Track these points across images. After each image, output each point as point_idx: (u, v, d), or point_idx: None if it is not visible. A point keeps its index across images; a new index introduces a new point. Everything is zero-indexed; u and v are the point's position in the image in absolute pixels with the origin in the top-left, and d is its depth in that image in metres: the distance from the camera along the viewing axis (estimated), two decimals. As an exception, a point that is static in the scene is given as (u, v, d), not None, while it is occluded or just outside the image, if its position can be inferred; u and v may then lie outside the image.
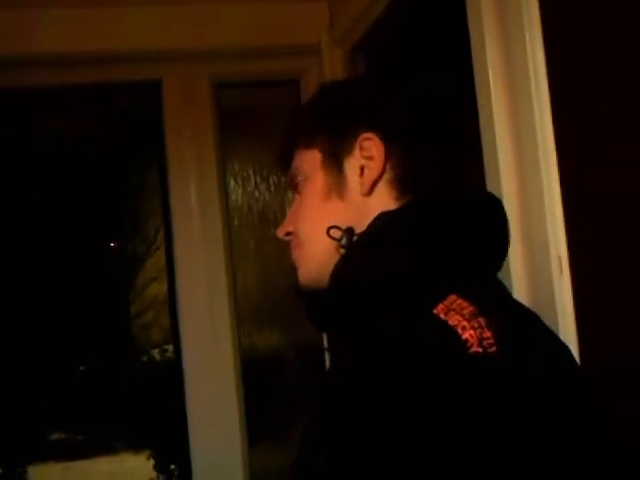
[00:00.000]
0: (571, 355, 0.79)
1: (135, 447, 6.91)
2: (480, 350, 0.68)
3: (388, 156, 0.84)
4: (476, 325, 0.70)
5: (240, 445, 1.79)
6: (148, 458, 5.83)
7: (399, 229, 0.80)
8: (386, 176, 0.84)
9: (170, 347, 6.75)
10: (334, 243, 0.84)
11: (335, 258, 0.83)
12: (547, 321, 0.89)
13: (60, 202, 7.30)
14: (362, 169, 0.85)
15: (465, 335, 0.69)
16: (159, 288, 7.81)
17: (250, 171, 1.88)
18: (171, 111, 1.80)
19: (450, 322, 0.71)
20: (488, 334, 0.70)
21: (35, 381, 7.30)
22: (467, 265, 0.80)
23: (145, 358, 7.49)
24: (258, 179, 1.88)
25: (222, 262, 1.79)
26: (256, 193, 1.87)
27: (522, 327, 0.75)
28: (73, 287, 7.78)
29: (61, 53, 1.68)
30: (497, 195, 0.96)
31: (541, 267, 0.91)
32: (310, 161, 0.89)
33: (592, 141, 0.84)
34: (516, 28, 0.93)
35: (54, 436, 7.69)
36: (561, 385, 0.72)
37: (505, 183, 0.97)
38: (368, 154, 0.85)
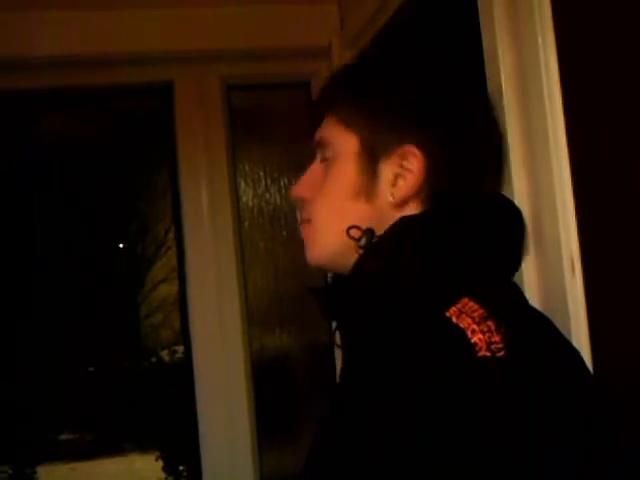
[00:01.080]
0: (583, 362, 0.78)
1: (144, 448, 6.92)
2: (488, 354, 0.68)
3: (427, 174, 0.83)
4: (485, 329, 0.70)
5: (250, 446, 1.79)
6: (157, 459, 5.85)
7: (418, 234, 0.80)
8: (420, 194, 0.83)
9: (179, 348, 6.77)
10: (351, 241, 0.83)
11: (350, 254, 0.83)
12: (558, 323, 0.89)
13: (70, 204, 7.33)
14: (396, 178, 0.84)
15: (474, 339, 0.69)
16: (169, 289, 7.83)
17: (261, 173, 1.88)
18: (182, 113, 1.81)
19: (461, 325, 0.71)
20: (497, 338, 0.69)
21: (44, 382, 7.33)
22: (483, 270, 0.81)
23: (154, 359, 7.51)
24: (269, 181, 1.88)
25: (233, 263, 1.80)
26: (267, 195, 1.88)
27: (533, 332, 0.75)
28: (83, 288, 7.81)
29: (71, 55, 1.69)
30: (508, 194, 0.97)
31: (553, 268, 0.90)
32: (344, 143, 0.86)
33: (605, 140, 0.84)
34: (528, 31, 0.93)
35: (63, 436, 7.72)
36: (570, 391, 0.72)
37: (516, 183, 0.96)
38: (408, 166, 0.83)
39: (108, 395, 7.57)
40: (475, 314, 0.72)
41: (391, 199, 0.83)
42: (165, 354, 7.11)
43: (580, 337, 0.86)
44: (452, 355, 0.70)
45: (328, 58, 1.70)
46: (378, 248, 0.81)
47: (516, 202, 0.96)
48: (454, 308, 0.73)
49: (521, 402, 0.68)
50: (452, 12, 1.27)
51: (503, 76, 0.99)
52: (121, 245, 8.86)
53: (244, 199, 1.87)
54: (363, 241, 0.82)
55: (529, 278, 0.95)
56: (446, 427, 0.66)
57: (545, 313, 0.92)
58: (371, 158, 0.85)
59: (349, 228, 0.83)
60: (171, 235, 8.09)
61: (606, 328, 0.85)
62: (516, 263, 0.88)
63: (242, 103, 1.88)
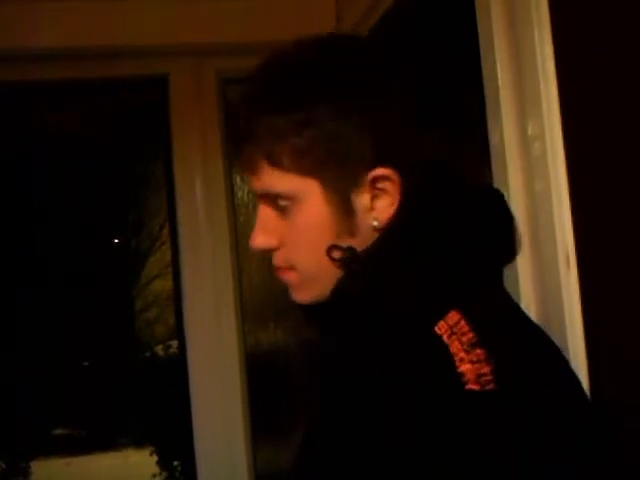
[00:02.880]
0: (578, 382, 0.77)
1: (138, 443, 6.93)
2: (476, 387, 0.66)
3: (403, 187, 0.78)
4: (474, 359, 0.68)
5: (244, 441, 1.80)
6: (151, 454, 5.85)
7: (401, 246, 0.78)
8: (399, 208, 0.79)
9: (174, 343, 6.77)
10: (337, 268, 0.79)
11: (334, 273, 0.80)
12: (553, 317, 0.89)
13: (64, 198, 7.31)
14: (372, 201, 0.79)
15: (462, 368, 0.67)
16: (163, 284, 7.83)
17: (256, 167, 1.88)
18: (177, 107, 1.80)
19: (451, 349, 0.69)
20: (486, 369, 0.67)
21: (39, 377, 7.32)
22: (471, 277, 0.78)
23: (149, 354, 7.51)
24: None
25: (228, 258, 1.80)
26: (262, 190, 1.87)
27: (524, 357, 0.73)
28: (77, 283, 7.79)
29: (67, 48, 1.68)
30: (503, 190, 0.97)
31: (548, 262, 0.90)
32: (302, 189, 0.78)
33: (601, 136, 0.84)
34: (525, 22, 0.93)
35: (58, 431, 7.72)
36: (563, 421, 0.70)
37: (511, 178, 0.96)
38: (381, 187, 0.79)
39: (103, 390, 7.57)
40: (464, 338, 0.70)
41: (376, 224, 0.79)
42: (159, 349, 7.11)
43: (575, 331, 0.86)
44: (438, 385, 0.67)
45: (324, 52, 1.70)
46: (361, 265, 0.78)
47: (511, 197, 0.96)
48: (443, 323, 0.71)
49: (510, 440, 0.65)
50: (449, 8, 1.26)
51: (499, 73, 0.98)
52: (116, 240, 8.85)
53: (239, 194, 1.87)
54: (345, 260, 0.78)
55: (524, 273, 0.94)
56: (430, 460, 0.64)
57: (540, 308, 0.93)
58: (341, 196, 0.78)
59: (329, 249, 0.79)
60: (166, 230, 8.08)
61: (601, 322, 0.85)
62: (505, 261, 0.86)
63: (238, 96, 1.87)
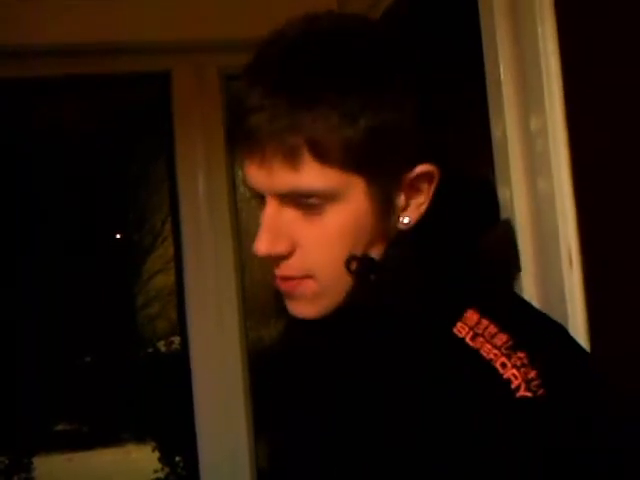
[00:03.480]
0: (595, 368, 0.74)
1: (140, 439, 6.94)
2: (529, 395, 0.63)
3: (435, 191, 0.75)
4: (518, 363, 0.64)
5: (246, 437, 1.80)
6: (153, 450, 5.85)
7: (412, 251, 0.74)
8: (429, 208, 0.75)
9: (176, 339, 6.78)
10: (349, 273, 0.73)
11: (347, 282, 0.74)
12: (557, 315, 0.89)
13: (66, 193, 7.31)
14: (407, 199, 0.75)
15: (507, 374, 0.64)
16: (165, 280, 7.83)
17: (259, 163, 1.88)
18: (180, 103, 1.80)
19: (483, 352, 0.66)
20: (533, 374, 0.64)
21: (40, 372, 7.33)
22: (483, 275, 0.75)
23: (151, 350, 7.52)
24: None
25: (230, 254, 1.80)
26: (264, 185, 1.87)
27: (561, 356, 0.69)
28: (78, 279, 7.80)
29: (69, 44, 1.69)
30: (506, 188, 0.97)
31: (551, 260, 0.90)
32: (345, 186, 0.71)
33: (604, 130, 0.84)
34: (528, 16, 0.93)
35: (59, 427, 7.72)
36: (602, 413, 0.67)
37: (514, 173, 0.96)
38: (419, 185, 0.74)
39: (105, 386, 7.57)
40: (497, 341, 0.66)
41: (407, 221, 0.75)
42: (162, 345, 7.11)
43: (578, 329, 0.86)
44: (487, 397, 0.64)
45: (326, 48, 1.69)
46: (384, 276, 0.73)
47: (513, 194, 0.96)
48: (463, 325, 0.68)
49: (571, 446, 0.63)
50: (451, 4, 1.26)
51: (502, 68, 0.98)
52: (117, 236, 8.85)
53: (241, 189, 1.87)
54: (362, 271, 0.73)
55: (527, 271, 0.94)
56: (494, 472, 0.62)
57: (543, 306, 0.93)
58: (384, 193, 0.73)
59: (348, 261, 0.72)
60: (168, 226, 8.08)
61: (604, 319, 0.85)
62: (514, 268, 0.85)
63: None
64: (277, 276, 0.77)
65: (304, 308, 0.76)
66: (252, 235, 0.77)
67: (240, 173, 1.87)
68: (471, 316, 0.69)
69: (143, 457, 6.27)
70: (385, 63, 0.72)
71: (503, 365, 0.64)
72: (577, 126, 0.87)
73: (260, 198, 0.75)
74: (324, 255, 0.73)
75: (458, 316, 0.69)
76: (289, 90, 0.69)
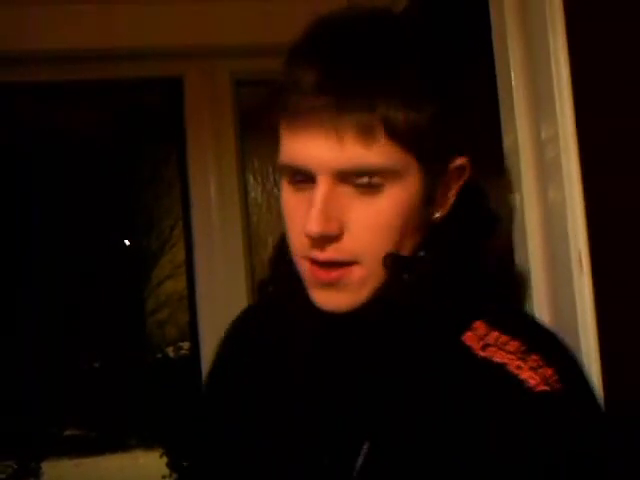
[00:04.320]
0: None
1: (148, 444, 6.94)
2: (548, 388, 0.65)
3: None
4: (534, 365, 0.66)
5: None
6: (161, 455, 5.86)
7: (443, 255, 0.75)
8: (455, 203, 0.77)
9: (185, 344, 6.78)
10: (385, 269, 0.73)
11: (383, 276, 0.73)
12: (566, 319, 0.89)
13: (77, 198, 7.35)
14: (443, 191, 0.76)
15: (523, 375, 0.65)
16: (174, 285, 7.85)
17: (270, 168, 1.89)
18: (192, 108, 1.81)
19: (496, 359, 0.67)
20: (550, 371, 0.66)
21: (49, 377, 7.35)
22: (495, 284, 0.77)
23: (159, 355, 7.53)
24: (277, 177, 1.88)
25: (241, 259, 1.80)
26: (275, 190, 1.88)
27: (573, 357, 0.72)
28: (88, 284, 7.82)
29: (82, 50, 1.70)
30: (517, 193, 0.97)
31: (561, 264, 0.90)
32: (407, 167, 0.71)
33: (615, 137, 0.84)
34: (538, 24, 0.93)
35: (68, 432, 7.74)
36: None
37: (525, 179, 0.97)
38: (452, 178, 0.76)
39: (113, 391, 7.59)
40: (510, 347, 0.67)
41: (438, 215, 0.76)
42: (170, 350, 7.13)
43: (588, 336, 0.86)
44: (506, 396, 0.65)
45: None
46: (417, 281, 0.73)
47: (524, 200, 0.96)
48: (471, 334, 0.69)
49: (593, 437, 0.65)
50: (461, 10, 1.27)
51: (513, 75, 0.99)
52: (127, 241, 8.88)
53: (252, 194, 1.87)
54: (398, 268, 0.73)
55: (537, 276, 0.95)
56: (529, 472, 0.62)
57: (553, 312, 0.93)
58: (433, 181, 0.74)
59: (386, 256, 0.72)
60: (176, 231, 8.11)
61: (614, 326, 0.85)
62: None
63: (252, 98, 1.88)
64: (319, 261, 0.73)
65: (343, 299, 0.73)
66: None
67: (251, 178, 1.88)
68: (479, 327, 0.70)
69: (151, 462, 6.27)
70: (441, 52, 0.75)
71: (519, 367, 0.65)
72: (587, 134, 0.87)
73: (298, 181, 0.74)
74: (375, 238, 0.71)
75: (466, 326, 0.70)
76: (359, 66, 0.70)
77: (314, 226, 0.70)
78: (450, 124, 0.73)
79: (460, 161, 0.75)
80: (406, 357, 0.71)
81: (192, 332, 1.88)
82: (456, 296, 0.72)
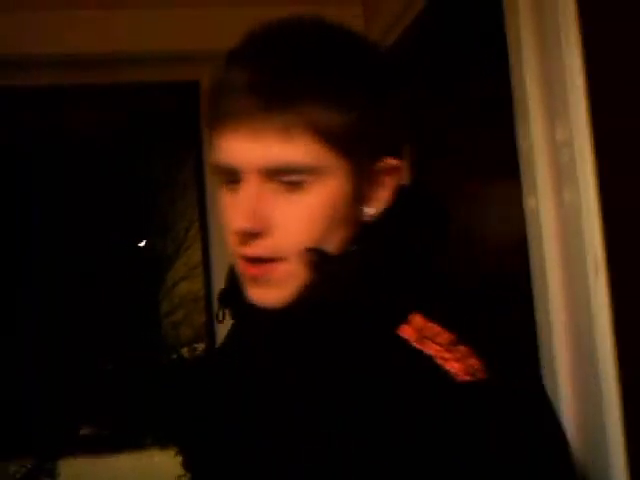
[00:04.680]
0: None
1: (163, 444, 6.97)
2: (469, 378, 0.65)
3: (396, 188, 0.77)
4: (459, 356, 0.67)
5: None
6: (176, 454, 5.88)
7: (371, 250, 0.75)
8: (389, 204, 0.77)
9: (200, 346, 6.80)
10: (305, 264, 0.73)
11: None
12: (583, 326, 0.89)
13: (93, 201, 7.39)
14: (374, 191, 0.76)
15: (448, 366, 0.66)
16: (189, 287, 7.88)
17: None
18: (208, 112, 1.83)
19: (427, 351, 0.67)
20: (474, 362, 0.67)
21: (65, 377, 7.40)
22: (429, 274, 0.76)
23: (175, 356, 7.56)
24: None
25: (257, 260, 1.81)
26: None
27: (502, 349, 0.73)
28: (105, 286, 7.86)
29: (100, 53, 1.72)
30: (531, 196, 0.97)
31: (576, 270, 0.91)
32: (333, 165, 0.73)
33: (630, 138, 0.85)
34: (552, 29, 0.93)
35: (84, 431, 7.79)
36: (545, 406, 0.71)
37: (540, 183, 0.97)
38: (384, 178, 0.77)
39: (129, 391, 7.63)
40: (440, 339, 0.68)
41: (371, 212, 0.76)
42: (185, 351, 7.15)
43: (604, 339, 0.86)
44: (429, 383, 0.66)
45: (352, 59, 1.71)
46: (340, 269, 0.73)
47: (539, 204, 0.97)
48: (407, 327, 0.69)
49: (513, 426, 0.65)
50: (476, 15, 1.27)
51: (527, 79, 0.99)
52: (142, 243, 8.92)
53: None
54: (318, 263, 0.73)
55: (553, 280, 0.95)
56: (442, 460, 0.63)
57: (569, 315, 0.93)
58: (362, 180, 0.75)
59: (306, 250, 0.73)
60: (191, 233, 8.14)
61: (631, 329, 0.85)
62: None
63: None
64: (246, 258, 0.75)
65: (271, 294, 0.75)
66: (232, 220, 0.76)
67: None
68: (417, 320, 0.70)
69: (166, 461, 6.30)
70: (375, 58, 0.77)
71: (444, 359, 0.66)
72: (603, 136, 0.88)
73: (230, 181, 0.76)
74: (300, 234, 0.73)
75: (403, 319, 0.70)
76: (288, 69, 0.72)
77: (238, 223, 0.73)
78: (383, 126, 0.75)
79: (393, 162, 0.76)
80: (335, 353, 0.70)
81: (208, 333, 1.89)
82: (390, 290, 0.73)
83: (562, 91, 0.92)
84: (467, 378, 0.65)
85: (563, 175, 0.93)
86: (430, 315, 0.70)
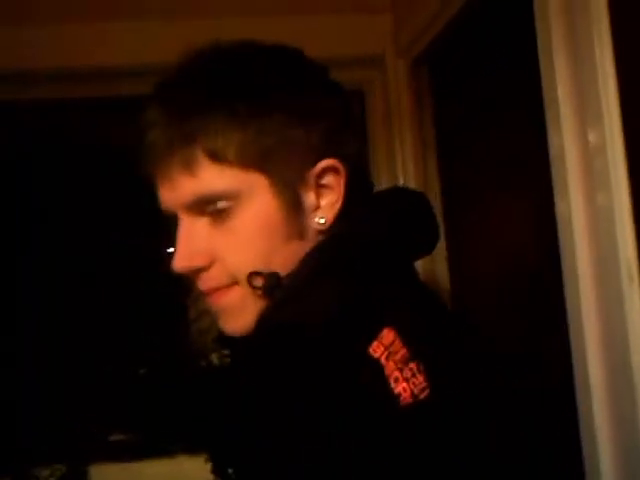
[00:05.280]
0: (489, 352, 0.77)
1: (192, 450, 6.99)
2: (411, 401, 0.65)
3: (346, 190, 0.75)
4: (409, 375, 0.66)
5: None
6: (205, 461, 5.90)
7: (323, 268, 0.72)
8: (341, 208, 0.76)
9: (227, 352, 6.82)
10: (254, 290, 0.72)
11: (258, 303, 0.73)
12: (616, 335, 0.88)
13: (120, 209, 7.46)
14: (318, 199, 0.75)
15: (398, 389, 0.65)
16: (217, 294, 7.91)
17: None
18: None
19: (386, 371, 0.65)
20: (420, 378, 0.66)
21: (97, 383, 7.46)
22: (399, 283, 0.74)
23: (204, 362, 7.59)
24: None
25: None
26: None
27: (457, 359, 0.72)
28: (133, 292, 7.93)
29: (108, 67, 1.72)
30: (565, 204, 0.97)
31: (610, 276, 0.90)
32: (248, 185, 0.72)
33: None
34: (586, 40, 0.93)
35: (114, 437, 7.84)
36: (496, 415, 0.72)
37: (572, 187, 0.96)
38: (326, 182, 0.75)
39: (158, 397, 7.67)
40: (398, 356, 0.66)
41: (322, 221, 0.74)
42: (214, 357, 7.17)
43: (639, 348, 0.86)
44: (375, 413, 0.64)
45: (382, 66, 1.71)
46: (288, 291, 0.71)
47: (572, 210, 0.96)
48: (378, 344, 0.66)
49: (447, 443, 0.65)
50: (507, 21, 1.27)
51: (559, 84, 0.98)
52: (169, 250, 8.98)
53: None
54: (268, 287, 0.72)
55: (585, 288, 0.94)
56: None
57: (602, 323, 0.92)
58: (290, 190, 0.73)
59: (250, 276, 0.72)
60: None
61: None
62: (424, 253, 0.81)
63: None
64: (204, 292, 0.76)
65: (234, 322, 0.75)
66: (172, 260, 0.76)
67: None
68: (387, 335, 0.67)
69: (196, 467, 6.31)
70: (267, 71, 0.76)
71: (396, 380, 0.65)
72: (636, 140, 0.87)
73: (176, 219, 0.76)
74: (242, 258, 0.73)
75: (374, 336, 0.67)
76: (178, 102, 0.73)
77: (176, 263, 0.75)
78: (289, 135, 0.73)
79: (323, 164, 0.74)
80: (297, 377, 0.67)
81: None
82: (354, 307, 0.69)
83: (594, 95, 0.91)
84: (409, 401, 0.65)
85: (595, 180, 0.92)
86: (401, 329, 0.68)
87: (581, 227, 0.94)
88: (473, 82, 1.42)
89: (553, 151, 1.01)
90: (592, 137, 0.92)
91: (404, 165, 1.64)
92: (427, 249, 0.81)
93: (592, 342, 0.93)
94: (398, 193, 0.82)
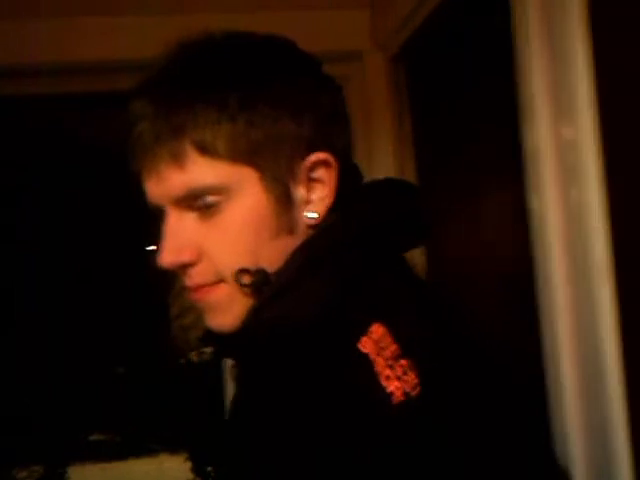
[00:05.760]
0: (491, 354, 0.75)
1: (172, 449, 6.97)
2: (403, 398, 0.63)
3: (338, 180, 0.74)
4: (400, 372, 0.64)
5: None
6: (186, 460, 5.88)
7: (311, 264, 0.71)
8: (333, 204, 0.74)
9: (208, 349, 6.78)
10: (242, 288, 0.71)
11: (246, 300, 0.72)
12: (587, 330, 0.88)
13: (102, 206, 7.42)
14: (308, 193, 0.74)
15: (390, 388, 0.64)
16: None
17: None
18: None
19: (376, 367, 0.64)
20: (412, 375, 0.64)
21: (74, 382, 7.41)
22: (389, 276, 0.73)
23: (183, 360, 7.57)
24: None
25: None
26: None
27: (449, 354, 0.70)
28: (112, 290, 7.89)
29: (111, 61, 1.72)
30: (538, 198, 0.97)
31: (582, 274, 0.89)
32: (238, 178, 0.71)
33: (637, 138, 0.84)
34: (562, 36, 0.93)
35: (93, 437, 7.80)
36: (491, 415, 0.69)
37: (545, 183, 0.96)
38: (318, 176, 0.74)
39: (138, 396, 7.64)
40: (387, 352, 0.65)
41: (315, 216, 0.73)
42: (193, 355, 7.16)
43: (609, 342, 0.85)
44: (366, 411, 0.63)
45: (360, 62, 1.71)
46: (277, 291, 0.70)
47: (545, 205, 0.96)
48: (367, 339, 0.65)
49: (439, 442, 0.64)
50: (484, 18, 1.27)
51: (534, 79, 0.98)
52: (152, 247, 8.94)
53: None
54: (256, 284, 0.71)
55: (558, 282, 0.94)
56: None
57: (574, 317, 0.91)
58: (280, 183, 0.72)
59: (238, 273, 0.71)
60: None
61: (637, 333, 0.84)
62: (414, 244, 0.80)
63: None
64: (190, 287, 0.75)
65: (221, 319, 0.74)
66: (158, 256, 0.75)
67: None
68: (377, 330, 0.66)
69: (176, 467, 6.30)
70: (258, 63, 0.74)
71: (387, 378, 0.64)
72: (609, 136, 0.87)
73: (163, 214, 0.75)
74: (230, 255, 0.72)
75: (363, 331, 0.66)
76: (167, 94, 0.71)
77: (162, 258, 0.73)
78: (279, 128, 0.72)
79: (314, 157, 0.73)
80: (286, 374, 0.66)
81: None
82: (341, 302, 0.69)
83: (569, 90, 0.91)
84: (401, 399, 0.63)
85: (569, 176, 0.92)
86: (390, 323, 0.67)
87: (554, 223, 0.94)
88: (451, 77, 1.42)
89: (527, 147, 1.01)
90: (566, 133, 0.92)
91: (382, 160, 1.64)
92: (419, 240, 0.80)
93: (564, 338, 0.93)
94: (389, 185, 0.80)
